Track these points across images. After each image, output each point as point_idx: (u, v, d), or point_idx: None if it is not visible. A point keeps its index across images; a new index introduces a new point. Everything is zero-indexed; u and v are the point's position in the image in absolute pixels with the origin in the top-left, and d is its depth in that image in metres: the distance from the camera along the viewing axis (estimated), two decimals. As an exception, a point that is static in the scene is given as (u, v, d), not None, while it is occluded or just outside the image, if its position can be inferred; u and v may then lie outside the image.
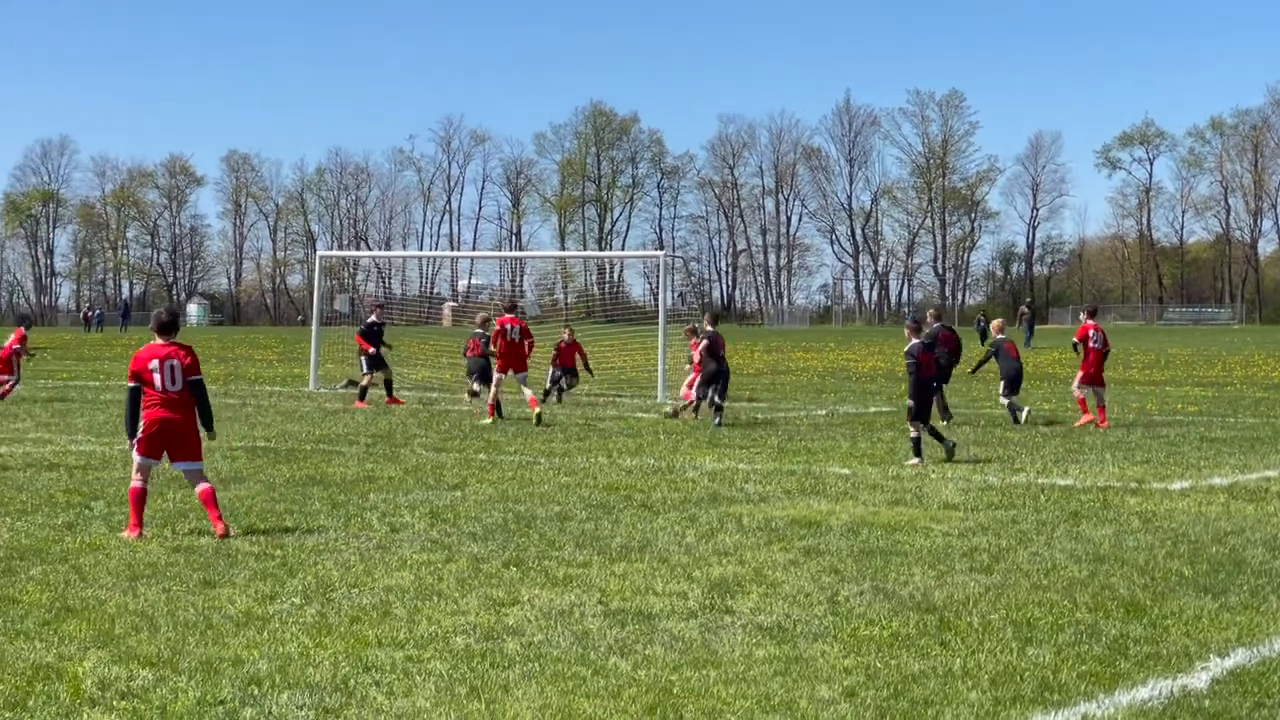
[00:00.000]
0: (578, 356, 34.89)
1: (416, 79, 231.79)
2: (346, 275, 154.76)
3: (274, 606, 11.10)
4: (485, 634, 10.25)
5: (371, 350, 33.36)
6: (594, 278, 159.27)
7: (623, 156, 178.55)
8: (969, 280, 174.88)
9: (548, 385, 34.14)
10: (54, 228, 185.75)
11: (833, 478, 19.21)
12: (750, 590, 11.77)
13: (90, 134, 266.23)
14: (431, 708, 8.48)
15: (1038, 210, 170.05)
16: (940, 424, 26.86)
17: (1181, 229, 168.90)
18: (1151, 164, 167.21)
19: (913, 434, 21.12)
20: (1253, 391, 39.20)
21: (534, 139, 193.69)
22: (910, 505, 16.68)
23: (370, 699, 8.65)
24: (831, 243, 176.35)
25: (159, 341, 14.75)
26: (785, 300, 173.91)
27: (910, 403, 21.17)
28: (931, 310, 31.77)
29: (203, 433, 14.89)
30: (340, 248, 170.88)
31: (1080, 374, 28.36)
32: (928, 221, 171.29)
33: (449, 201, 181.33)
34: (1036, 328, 76.05)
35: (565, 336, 35.25)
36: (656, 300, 49.97)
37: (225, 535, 14.14)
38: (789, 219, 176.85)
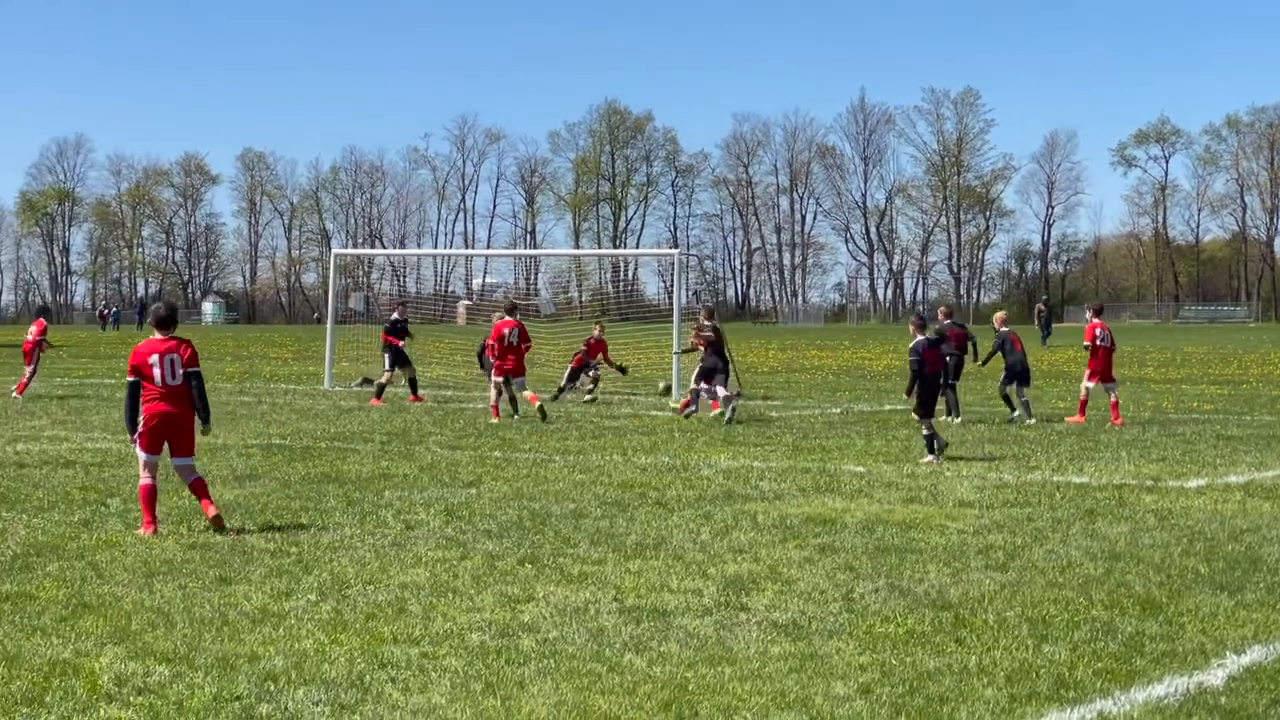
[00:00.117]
0: (601, 354, 34.93)
1: (431, 77, 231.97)
2: (361, 274, 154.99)
3: (290, 603, 11.12)
4: (500, 631, 10.26)
5: (399, 343, 33.78)
6: (608, 276, 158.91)
7: (637, 155, 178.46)
8: (984, 279, 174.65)
9: (567, 382, 34.09)
10: (70, 226, 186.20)
11: (847, 475, 19.20)
12: (765, 587, 11.77)
13: (105, 133, 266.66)
14: (447, 704, 8.49)
15: (1053, 208, 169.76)
16: (943, 421, 26.84)
17: (1197, 227, 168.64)
18: (1167, 162, 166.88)
19: (925, 431, 21.13)
20: (1269, 389, 39.11)
21: (548, 137, 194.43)
22: (925, 503, 16.67)
23: (386, 695, 8.66)
24: (846, 241, 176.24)
25: (158, 336, 14.78)
26: (800, 298, 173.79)
27: (914, 399, 21.26)
28: (943, 308, 31.74)
29: (198, 426, 14.85)
30: (355, 246, 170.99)
31: (1089, 372, 28.34)
32: (942, 220, 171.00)
33: (463, 200, 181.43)
34: (1054, 326, 75.91)
35: (596, 333, 35.32)
36: (671, 298, 49.98)
37: (218, 521, 14.18)
38: (803, 217, 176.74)
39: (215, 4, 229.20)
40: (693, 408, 29.12)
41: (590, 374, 34.18)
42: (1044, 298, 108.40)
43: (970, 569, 12.57)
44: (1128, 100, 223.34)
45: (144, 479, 14.52)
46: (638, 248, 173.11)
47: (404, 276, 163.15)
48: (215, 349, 69.84)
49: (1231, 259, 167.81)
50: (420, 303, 71.16)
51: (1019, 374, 28.34)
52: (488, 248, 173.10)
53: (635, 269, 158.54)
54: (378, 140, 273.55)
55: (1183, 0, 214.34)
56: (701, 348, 29.05)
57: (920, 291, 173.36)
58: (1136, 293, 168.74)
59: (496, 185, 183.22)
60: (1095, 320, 28.95)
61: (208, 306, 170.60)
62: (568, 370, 34.64)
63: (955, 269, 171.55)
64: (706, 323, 29.62)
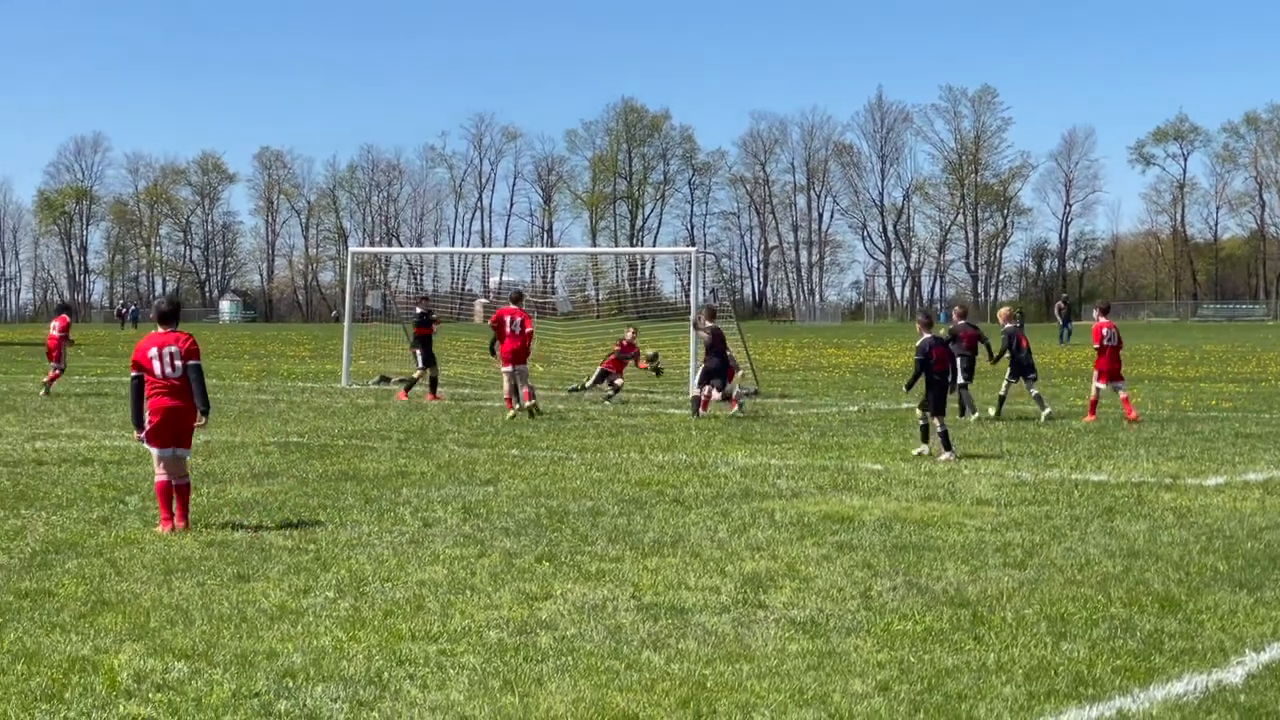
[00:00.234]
0: (633, 357, 34.82)
1: (448, 76, 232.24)
2: (378, 272, 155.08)
3: (308, 600, 11.14)
4: (518, 628, 10.26)
5: (431, 332, 34.12)
6: (625, 274, 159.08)
7: (654, 153, 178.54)
8: (1001, 277, 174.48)
9: (594, 382, 33.97)
10: (88, 225, 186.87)
11: (865, 473, 19.18)
12: (783, 585, 11.76)
13: (123, 132, 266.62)
14: (465, 701, 8.49)
15: (1071, 206, 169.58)
16: (958, 420, 26.84)
17: (1216, 225, 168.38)
18: (1185, 160, 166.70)
19: (939, 429, 21.16)
20: (1287, 388, 39.00)
21: (565, 136, 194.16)
22: (943, 501, 16.65)
23: (404, 692, 8.67)
24: (863, 239, 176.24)
25: (160, 330, 14.84)
26: (817, 297, 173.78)
27: (918, 396, 21.38)
28: (958, 307, 31.72)
29: (199, 420, 14.85)
30: (372, 245, 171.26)
31: (1096, 372, 28.35)
32: (960, 218, 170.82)
33: (480, 198, 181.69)
34: (1073, 324, 75.78)
35: (629, 335, 35.18)
36: (688, 297, 49.98)
37: (173, 528, 14.20)
38: (820, 215, 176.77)
39: (232, 4, 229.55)
40: (737, 400, 29.18)
41: (614, 382, 33.86)
42: (1064, 295, 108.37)
43: (988, 567, 12.55)
44: (1146, 98, 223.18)
45: (159, 475, 14.57)
46: (655, 246, 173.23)
47: (421, 275, 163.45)
48: (233, 347, 69.98)
49: (1250, 257, 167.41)
50: (437, 301, 71.03)
51: (1023, 369, 28.49)
52: (504, 246, 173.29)
53: (652, 267, 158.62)
54: (395, 139, 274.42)
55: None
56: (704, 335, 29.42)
57: (938, 290, 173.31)
58: (1154, 291, 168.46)
59: (513, 184, 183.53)
60: (1101, 319, 28.96)
61: (225, 305, 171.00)
62: (598, 370, 34.31)
63: (972, 267, 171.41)
64: (707, 323, 29.69)
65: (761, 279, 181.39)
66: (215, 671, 9.07)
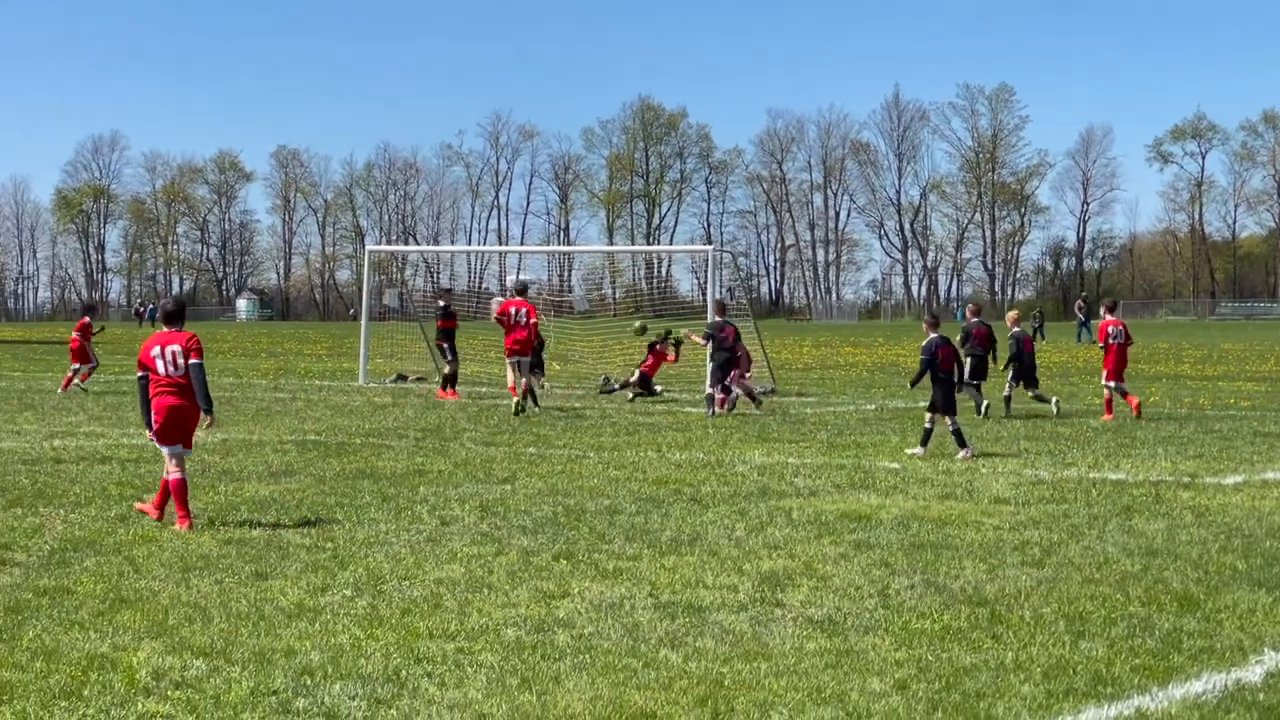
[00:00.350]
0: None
1: (465, 75, 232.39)
2: (395, 270, 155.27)
3: (325, 598, 11.15)
4: (536, 626, 10.26)
5: (455, 326, 34.33)
6: (642, 273, 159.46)
7: (671, 151, 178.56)
8: (1018, 275, 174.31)
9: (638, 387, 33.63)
10: (105, 223, 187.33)
11: (882, 472, 19.16)
12: (801, 583, 11.75)
13: (141, 130, 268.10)
14: (483, 699, 8.50)
15: (1088, 205, 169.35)
16: (973, 420, 26.83)
17: (1234, 223, 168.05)
18: (1204, 158, 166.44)
19: (950, 426, 21.20)
20: (1306, 386, 38.90)
21: (582, 134, 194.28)
22: (961, 499, 16.62)
23: (422, 690, 8.67)
24: (880, 238, 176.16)
25: (164, 330, 14.92)
26: (834, 295, 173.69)
27: (922, 394, 21.52)
28: (970, 306, 31.70)
29: (202, 419, 14.87)
30: (389, 243, 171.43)
31: (1106, 370, 28.35)
32: (977, 216, 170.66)
33: (497, 197, 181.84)
34: (1093, 323, 75.66)
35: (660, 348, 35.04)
36: (705, 295, 49.94)
37: (191, 525, 14.26)
38: (837, 214, 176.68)
39: (250, 4, 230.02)
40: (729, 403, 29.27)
41: (653, 388, 33.45)
42: (1083, 294, 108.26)
43: (1006, 565, 12.53)
44: (1164, 96, 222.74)
45: (174, 474, 14.59)
46: (671, 244, 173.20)
47: (438, 273, 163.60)
48: (250, 346, 70.11)
49: (1268, 255, 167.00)
50: (453, 299, 71.14)
51: (1024, 374, 28.57)
52: (521, 245, 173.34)
53: (669, 266, 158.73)
54: (412, 137, 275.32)
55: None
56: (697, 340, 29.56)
57: (954, 288, 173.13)
58: (1172, 289, 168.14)
59: (530, 182, 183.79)
60: (1109, 317, 28.97)
61: (242, 303, 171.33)
62: (638, 373, 33.69)
63: (989, 265, 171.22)
64: (717, 319, 29.75)
65: (778, 277, 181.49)
66: (233, 669, 9.08)
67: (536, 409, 29.00)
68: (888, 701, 8.45)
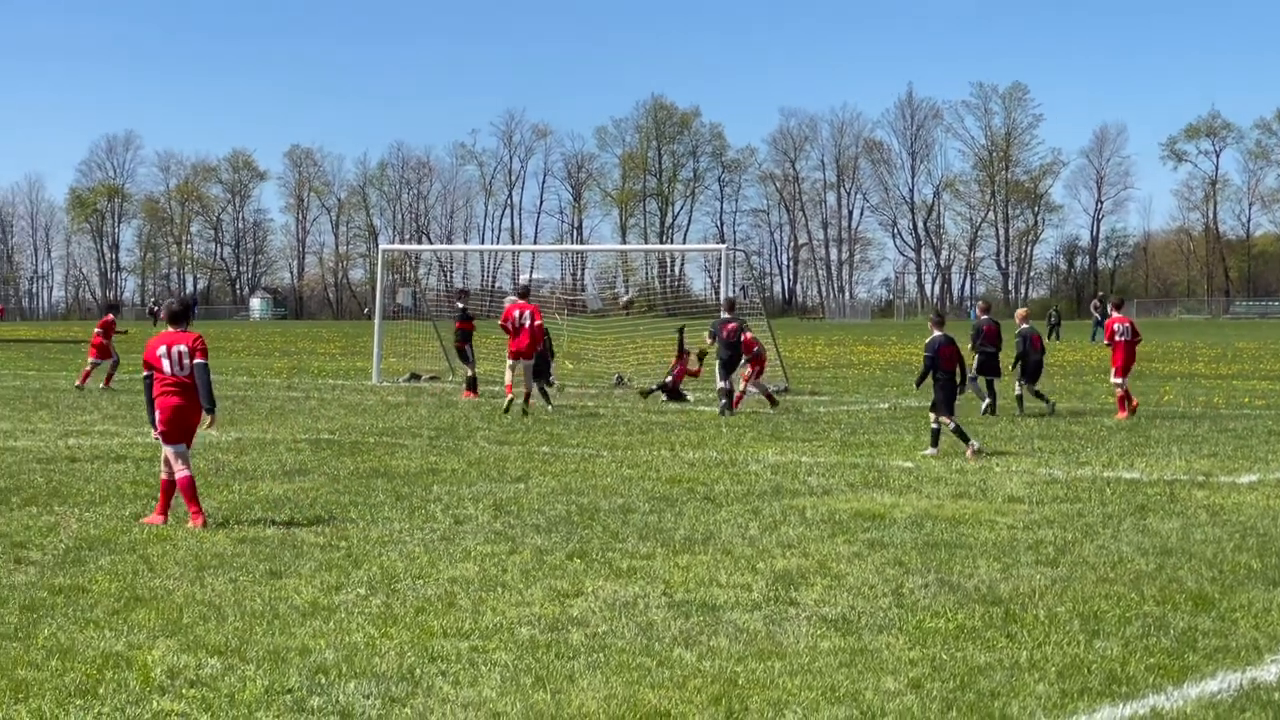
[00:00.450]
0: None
1: (478, 73, 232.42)
2: (409, 269, 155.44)
3: (339, 597, 11.16)
4: (550, 625, 10.27)
5: (472, 328, 34.40)
6: (655, 271, 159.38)
7: (684, 150, 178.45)
8: (1032, 274, 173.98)
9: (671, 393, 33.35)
10: (119, 222, 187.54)
11: (896, 471, 19.15)
12: (814, 582, 11.75)
13: (155, 129, 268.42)
14: (497, 697, 8.50)
15: (1102, 203, 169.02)
16: (988, 419, 26.80)
17: (1248, 222, 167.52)
18: (1218, 156, 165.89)
19: (950, 425, 21.26)
20: (1321, 385, 38.80)
21: (595, 133, 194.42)
22: (974, 498, 16.61)
23: (436, 688, 8.68)
24: (893, 236, 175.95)
25: (170, 329, 14.95)
26: (847, 294, 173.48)
27: (926, 395, 21.56)
28: (980, 304, 31.67)
29: (205, 418, 14.90)
30: (402, 242, 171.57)
31: (1114, 368, 28.35)
32: (990, 215, 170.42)
33: (510, 196, 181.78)
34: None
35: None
36: (718, 294, 49.90)
37: (204, 523, 14.28)
38: (850, 212, 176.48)
39: (263, 3, 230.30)
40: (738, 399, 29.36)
41: (683, 395, 33.09)
42: (1099, 293, 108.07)
43: (1020, 564, 12.52)
44: (1178, 94, 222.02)
45: (181, 472, 14.62)
46: (684, 243, 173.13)
47: (451, 272, 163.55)
48: (263, 345, 70.21)
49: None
50: (470, 301, 71.22)
51: (1029, 371, 28.58)
52: (534, 243, 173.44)
53: (682, 265, 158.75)
54: (425, 136, 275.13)
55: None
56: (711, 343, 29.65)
57: (968, 287, 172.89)
58: (1187, 288, 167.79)
59: (543, 181, 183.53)
60: (1115, 315, 28.99)
61: (255, 302, 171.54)
62: (671, 379, 33.30)
63: (1003, 264, 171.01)
64: (725, 315, 29.81)
65: (791, 276, 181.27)
66: (248, 668, 9.09)
67: (549, 408, 29.04)
68: (902, 700, 8.44)
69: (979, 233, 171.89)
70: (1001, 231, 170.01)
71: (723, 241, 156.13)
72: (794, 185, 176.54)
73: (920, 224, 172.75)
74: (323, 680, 8.83)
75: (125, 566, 12.33)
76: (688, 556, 12.84)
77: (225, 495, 16.51)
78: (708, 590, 11.43)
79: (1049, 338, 71.53)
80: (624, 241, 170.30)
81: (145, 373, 14.92)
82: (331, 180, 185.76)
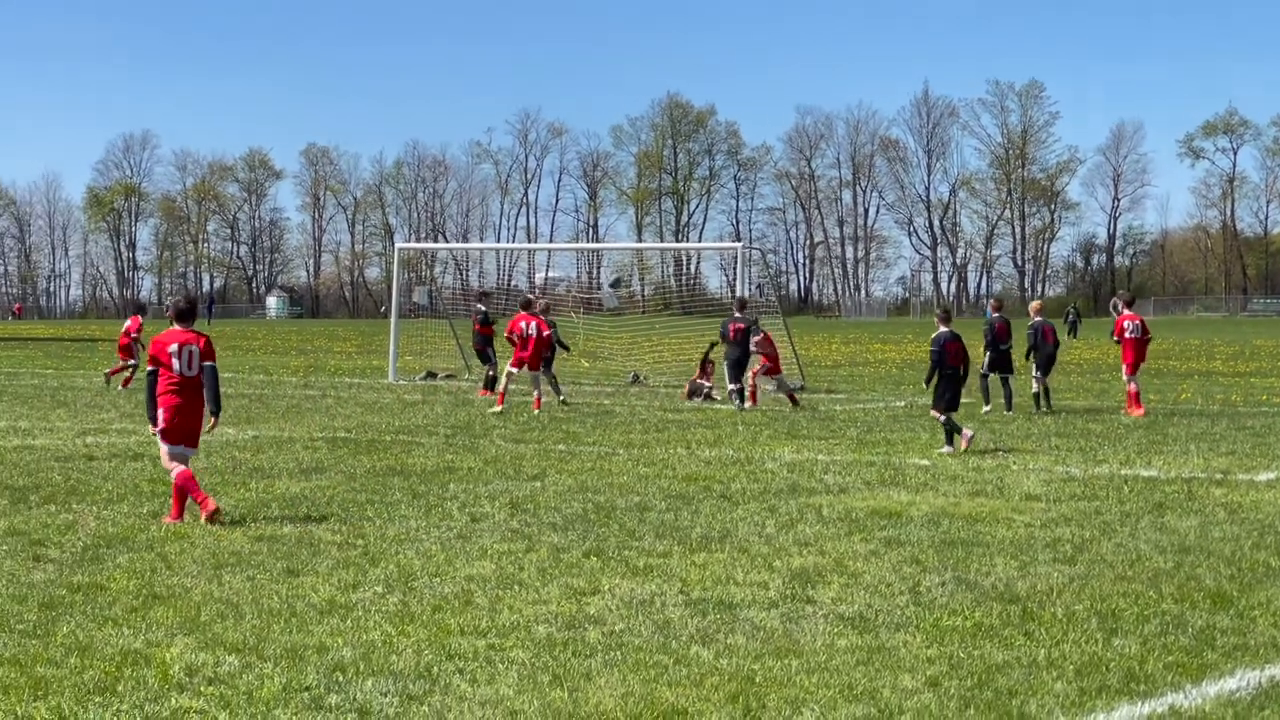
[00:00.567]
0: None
1: (494, 72, 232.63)
2: (424, 268, 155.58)
3: (357, 595, 11.17)
4: (567, 623, 10.27)
5: (492, 332, 34.49)
6: (671, 270, 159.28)
7: (699, 149, 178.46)
8: (1049, 272, 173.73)
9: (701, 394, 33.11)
10: (136, 221, 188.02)
11: (912, 469, 19.13)
12: (831, 580, 11.74)
13: (171, 128, 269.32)
14: (514, 695, 8.50)
15: (1119, 201, 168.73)
16: (1006, 416, 26.78)
17: (1266, 219, 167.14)
18: (1235, 153, 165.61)
19: (940, 420, 21.36)
20: (1339, 383, 38.69)
21: (611, 131, 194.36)
22: (991, 496, 16.58)
23: (454, 686, 8.69)
24: (909, 234, 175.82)
25: (177, 328, 14.93)
26: (863, 292, 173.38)
27: (931, 387, 21.68)
28: (993, 301, 31.64)
29: (208, 420, 14.94)
30: (418, 240, 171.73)
31: (1125, 365, 28.36)
32: (1007, 213, 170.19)
33: (526, 194, 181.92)
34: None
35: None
36: (733, 292, 49.88)
37: (215, 511, 14.33)
38: (866, 211, 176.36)
39: (279, 2, 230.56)
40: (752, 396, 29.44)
41: (709, 393, 32.93)
42: (1120, 291, 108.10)
43: (1038, 562, 12.50)
44: (1195, 91, 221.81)
45: (177, 468, 14.64)
46: (700, 242, 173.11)
47: (466, 271, 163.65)
48: (280, 343, 70.33)
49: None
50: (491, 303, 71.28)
51: (1042, 364, 28.56)
52: (550, 242, 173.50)
53: (697, 263, 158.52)
54: (440, 134, 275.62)
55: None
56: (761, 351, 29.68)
57: (984, 285, 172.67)
58: (1204, 285, 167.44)
59: (559, 179, 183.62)
60: (1126, 312, 28.97)
61: (272, 301, 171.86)
62: (699, 382, 33.07)
63: (1019, 262, 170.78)
64: (737, 314, 29.90)
65: (807, 274, 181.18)
66: (266, 665, 9.11)
67: (561, 397, 29.41)
68: (919, 699, 8.43)
69: (995, 231, 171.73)
70: (1018, 229, 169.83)
71: (738, 240, 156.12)
72: (810, 183, 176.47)
73: (936, 222, 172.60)
74: (340, 678, 8.84)
75: (143, 564, 12.35)
76: (704, 554, 12.84)
77: (242, 493, 16.53)
78: (724, 588, 11.43)
79: (1068, 336, 71.44)
80: (639, 240, 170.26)
81: (151, 368, 14.89)
82: (347, 179, 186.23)
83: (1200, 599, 11.02)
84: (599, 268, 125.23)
